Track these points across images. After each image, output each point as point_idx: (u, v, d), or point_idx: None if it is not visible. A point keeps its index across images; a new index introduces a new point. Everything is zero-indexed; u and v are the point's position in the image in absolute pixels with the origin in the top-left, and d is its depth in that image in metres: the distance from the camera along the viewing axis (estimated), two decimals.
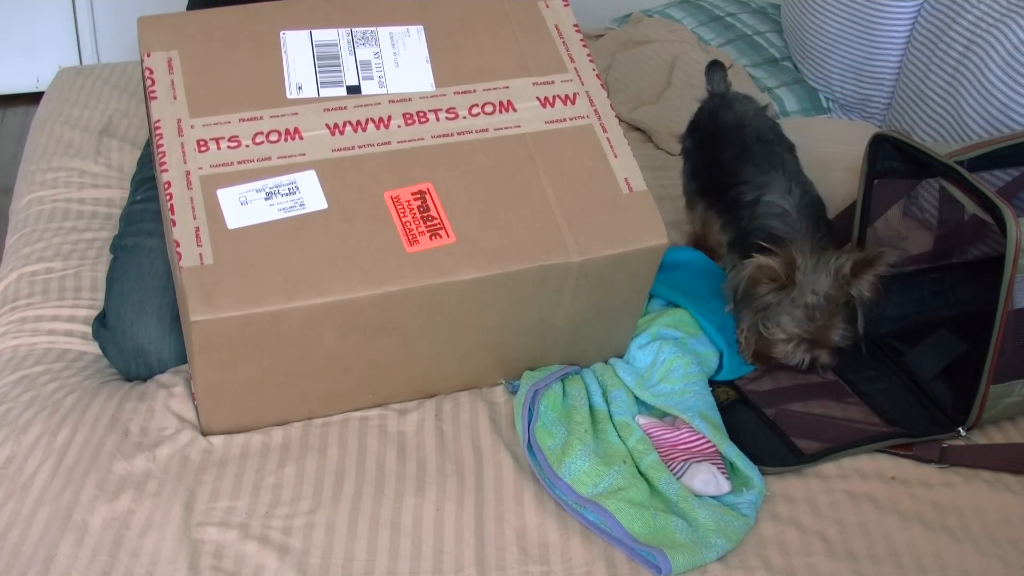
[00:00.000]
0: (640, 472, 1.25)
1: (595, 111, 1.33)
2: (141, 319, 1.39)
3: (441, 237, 1.22)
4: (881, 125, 1.98)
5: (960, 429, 1.34)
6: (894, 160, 1.48)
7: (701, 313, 1.46)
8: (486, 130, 1.29)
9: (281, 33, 1.30)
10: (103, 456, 1.25)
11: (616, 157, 1.31)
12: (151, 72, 1.27)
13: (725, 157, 1.52)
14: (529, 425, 1.28)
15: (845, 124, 2.00)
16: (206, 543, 1.16)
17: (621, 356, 1.43)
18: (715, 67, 1.66)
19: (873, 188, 1.51)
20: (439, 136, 1.28)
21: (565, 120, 1.32)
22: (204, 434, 1.29)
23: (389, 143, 1.27)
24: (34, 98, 2.40)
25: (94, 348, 1.45)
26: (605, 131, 1.32)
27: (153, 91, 1.26)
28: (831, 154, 1.76)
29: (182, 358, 1.40)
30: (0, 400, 1.34)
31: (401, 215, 1.22)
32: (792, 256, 1.34)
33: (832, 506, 1.23)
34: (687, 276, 1.54)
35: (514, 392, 1.36)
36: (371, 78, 1.30)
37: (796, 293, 1.34)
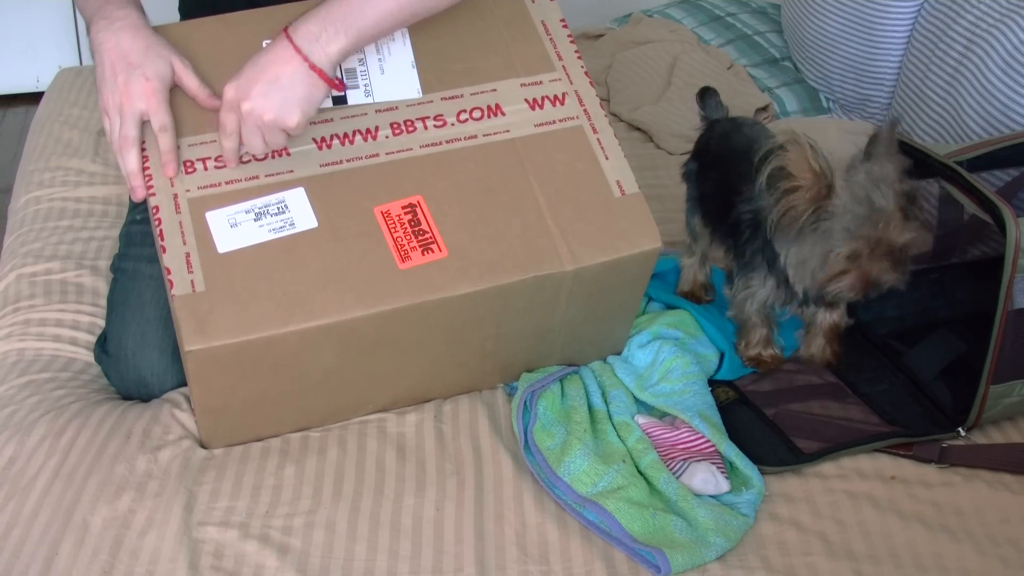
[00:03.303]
0: (639, 471, 1.25)
1: (585, 111, 1.32)
2: (143, 351, 1.38)
3: (433, 252, 1.21)
4: (881, 125, 1.98)
5: (960, 429, 1.34)
6: None
7: (701, 314, 1.46)
8: (475, 136, 1.28)
9: (264, 43, 1.27)
10: (105, 457, 1.25)
11: (607, 159, 1.30)
12: None
13: (733, 177, 1.39)
14: (526, 427, 1.28)
15: (845, 124, 2.00)
16: (206, 543, 1.16)
17: (619, 354, 1.43)
18: (708, 93, 1.56)
19: None
20: (428, 145, 1.27)
21: (555, 122, 1.31)
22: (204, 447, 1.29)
23: (378, 155, 1.25)
24: (34, 98, 2.40)
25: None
26: (595, 132, 1.31)
27: None
28: (831, 154, 1.76)
29: (185, 386, 1.39)
30: (7, 403, 1.34)
31: (392, 231, 1.21)
32: (819, 162, 1.21)
33: (832, 506, 1.23)
34: None
35: (512, 395, 1.36)
36: (357, 87, 1.28)
37: (844, 201, 1.22)
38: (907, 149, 1.45)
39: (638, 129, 2.05)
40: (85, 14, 1.27)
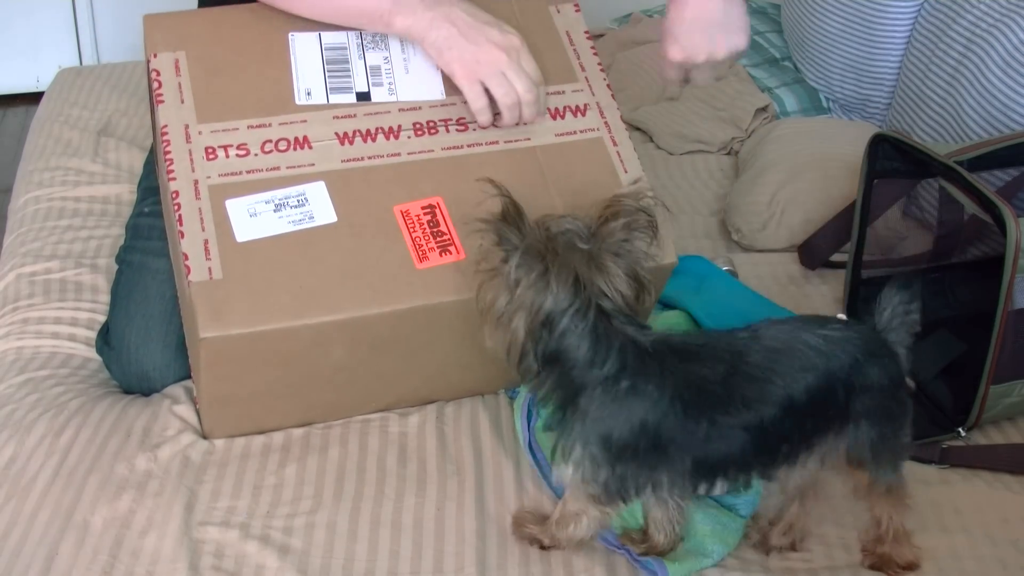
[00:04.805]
0: None
1: (605, 123, 1.32)
2: (146, 345, 1.37)
3: (451, 253, 1.20)
4: (881, 125, 1.98)
5: (960, 429, 1.34)
6: (894, 160, 1.49)
7: (702, 312, 1.46)
8: (496, 143, 1.28)
9: (290, 35, 1.28)
10: (105, 457, 1.25)
11: (626, 172, 1.30)
12: (158, 74, 1.25)
13: None
14: (529, 425, 1.28)
15: (845, 124, 2.00)
16: (207, 543, 1.16)
17: None
18: (900, 289, 1.13)
19: (873, 188, 1.51)
20: (449, 148, 1.27)
21: (575, 133, 1.30)
22: (206, 438, 1.29)
23: (399, 154, 1.25)
24: (34, 98, 2.40)
25: (98, 356, 1.44)
26: (615, 144, 1.31)
27: (160, 94, 1.24)
28: (831, 154, 1.76)
29: (188, 380, 1.39)
30: (6, 401, 1.34)
31: (411, 230, 1.21)
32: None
33: (829, 508, 1.23)
34: (688, 281, 1.53)
35: (514, 398, 1.36)
36: (381, 84, 1.28)
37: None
38: (908, 149, 1.45)
39: (638, 129, 2.05)
40: (383, 8, 1.24)
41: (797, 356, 1.04)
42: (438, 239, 1.21)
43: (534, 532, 1.16)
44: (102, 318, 1.48)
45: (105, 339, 1.43)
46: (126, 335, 1.39)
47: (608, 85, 1.36)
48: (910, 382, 1.10)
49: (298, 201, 1.20)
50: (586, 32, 1.38)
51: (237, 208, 1.19)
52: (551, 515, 1.15)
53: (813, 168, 1.74)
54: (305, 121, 1.25)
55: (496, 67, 1.23)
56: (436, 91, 1.29)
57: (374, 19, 1.26)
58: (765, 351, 1.05)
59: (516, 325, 1.03)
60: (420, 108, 1.28)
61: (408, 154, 1.25)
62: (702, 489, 1.08)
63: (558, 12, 1.39)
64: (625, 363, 1.03)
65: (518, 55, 1.24)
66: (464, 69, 1.23)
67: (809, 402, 1.04)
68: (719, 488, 1.08)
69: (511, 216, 1.03)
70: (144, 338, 1.38)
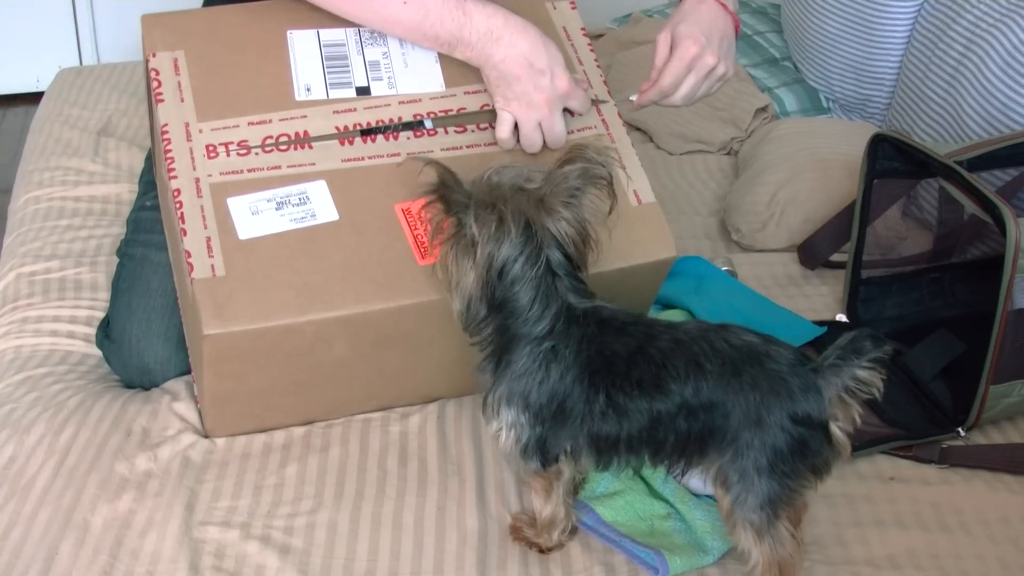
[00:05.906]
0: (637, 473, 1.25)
1: (603, 120, 1.32)
2: (148, 339, 1.38)
3: None
4: (881, 125, 1.99)
5: (959, 429, 1.34)
6: (894, 160, 1.49)
7: (697, 306, 1.46)
8: (494, 143, 1.28)
9: (288, 32, 1.28)
10: (105, 456, 1.25)
11: (624, 168, 1.30)
12: (157, 73, 1.25)
13: None
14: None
15: (845, 124, 2.00)
16: (207, 543, 1.16)
17: None
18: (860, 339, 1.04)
19: (873, 188, 1.51)
20: (448, 148, 1.27)
21: (573, 131, 1.30)
22: (207, 437, 1.29)
23: (399, 154, 1.25)
24: (34, 98, 2.39)
25: (97, 351, 1.44)
26: (613, 141, 1.31)
27: (159, 93, 1.24)
28: (831, 154, 1.76)
29: (188, 374, 1.39)
30: (4, 401, 1.34)
31: (412, 227, 1.21)
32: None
33: (829, 508, 1.23)
34: (687, 282, 1.53)
35: None
36: (380, 79, 1.28)
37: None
38: (908, 149, 1.45)
39: (638, 129, 2.05)
40: (442, 38, 1.26)
41: (696, 353, 1.04)
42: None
43: (530, 537, 1.16)
44: (101, 315, 1.48)
45: (105, 332, 1.43)
46: (127, 328, 1.39)
47: (604, 82, 1.35)
48: (836, 430, 1.04)
49: (300, 199, 1.21)
50: (582, 28, 1.38)
51: (239, 206, 1.19)
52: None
53: (813, 168, 1.74)
54: (305, 116, 1.25)
55: (533, 117, 1.25)
56: (436, 83, 1.29)
57: (435, 44, 1.28)
58: (672, 340, 1.06)
59: (476, 277, 1.06)
60: (420, 100, 1.28)
61: (408, 154, 1.25)
62: (603, 465, 1.10)
63: (554, 8, 1.39)
64: (555, 326, 1.06)
65: (562, 102, 1.26)
66: (503, 102, 1.26)
67: (696, 400, 1.04)
68: (615, 466, 1.10)
69: (449, 179, 1.06)
70: (145, 331, 1.38)
